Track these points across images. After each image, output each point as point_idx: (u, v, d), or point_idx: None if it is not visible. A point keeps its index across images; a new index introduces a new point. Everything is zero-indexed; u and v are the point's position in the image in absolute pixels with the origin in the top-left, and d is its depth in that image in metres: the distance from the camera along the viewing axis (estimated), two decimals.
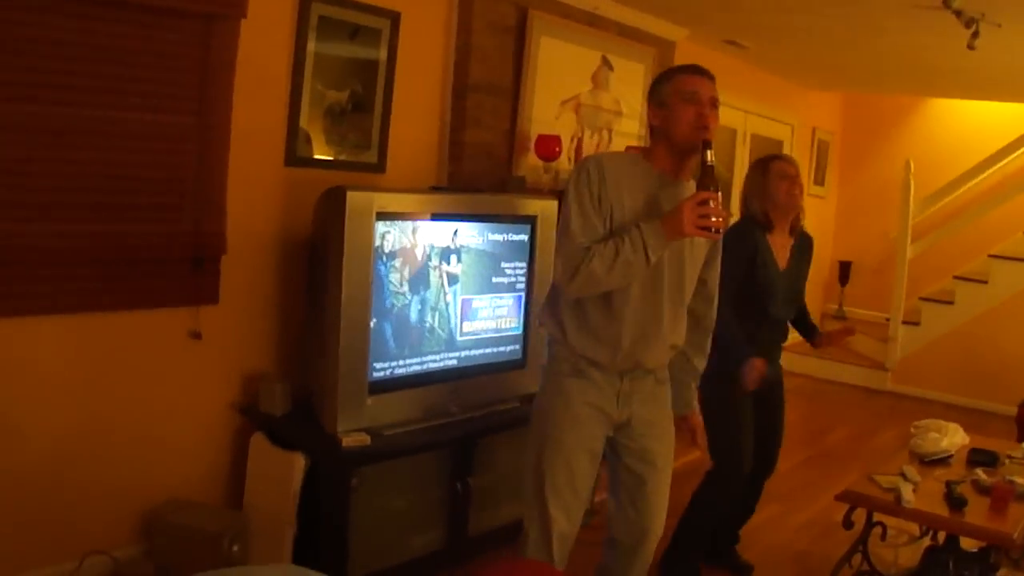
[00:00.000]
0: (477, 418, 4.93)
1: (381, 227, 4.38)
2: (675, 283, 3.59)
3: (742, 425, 4.71)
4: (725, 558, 5.13)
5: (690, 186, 3.49)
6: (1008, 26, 5.86)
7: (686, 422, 3.96)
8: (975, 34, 5.76)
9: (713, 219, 3.25)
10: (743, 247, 4.59)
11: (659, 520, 3.82)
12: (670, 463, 3.82)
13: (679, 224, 3.26)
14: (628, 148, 6.11)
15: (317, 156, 4.96)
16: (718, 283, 3.87)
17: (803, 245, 4.87)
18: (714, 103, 3.44)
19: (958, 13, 5.55)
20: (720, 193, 3.29)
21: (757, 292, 4.64)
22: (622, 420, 3.66)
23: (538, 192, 5.73)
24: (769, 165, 4.69)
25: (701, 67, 3.52)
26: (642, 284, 3.50)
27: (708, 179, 3.28)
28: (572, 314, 3.57)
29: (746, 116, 9.52)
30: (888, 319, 10.28)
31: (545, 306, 3.77)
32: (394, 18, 5.15)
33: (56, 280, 3.99)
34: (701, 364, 3.95)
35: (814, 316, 5.18)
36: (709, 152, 3.31)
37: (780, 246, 4.74)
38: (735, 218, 4.83)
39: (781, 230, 4.73)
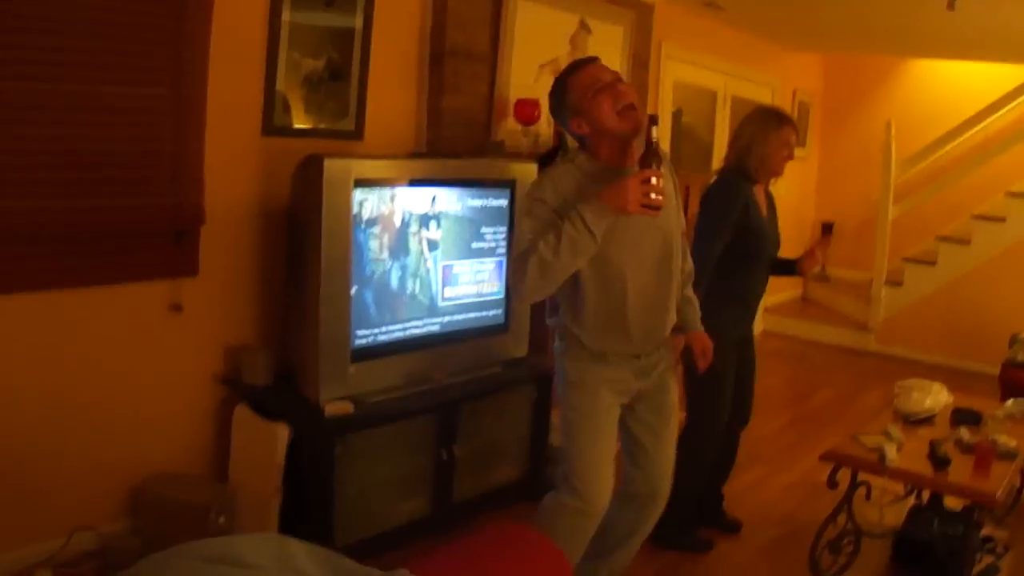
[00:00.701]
0: (460, 384, 4.93)
1: (359, 194, 4.36)
2: (664, 249, 3.64)
3: (722, 384, 4.76)
4: (712, 518, 5.17)
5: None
6: None
7: (694, 340, 4.04)
8: None
9: (654, 196, 3.27)
10: (736, 198, 4.66)
11: (671, 471, 3.97)
12: (677, 417, 3.95)
13: (623, 202, 3.27)
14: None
15: (294, 125, 4.92)
16: (684, 229, 3.93)
17: (771, 196, 4.94)
18: (618, 78, 3.45)
19: None
20: (662, 169, 3.32)
21: (753, 241, 4.69)
22: (642, 389, 3.76)
23: (517, 156, 5.71)
24: (781, 127, 4.67)
25: (579, 59, 3.56)
26: (633, 265, 3.55)
27: (652, 157, 3.28)
28: (575, 314, 3.63)
29: (726, 78, 9.50)
30: (871, 280, 10.30)
31: (549, 307, 3.81)
32: None
33: (34, 257, 3.96)
34: (695, 297, 4.06)
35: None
36: (654, 129, 3.30)
37: (760, 198, 4.80)
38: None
39: (760, 186, 4.76)
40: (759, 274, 4.81)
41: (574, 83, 3.45)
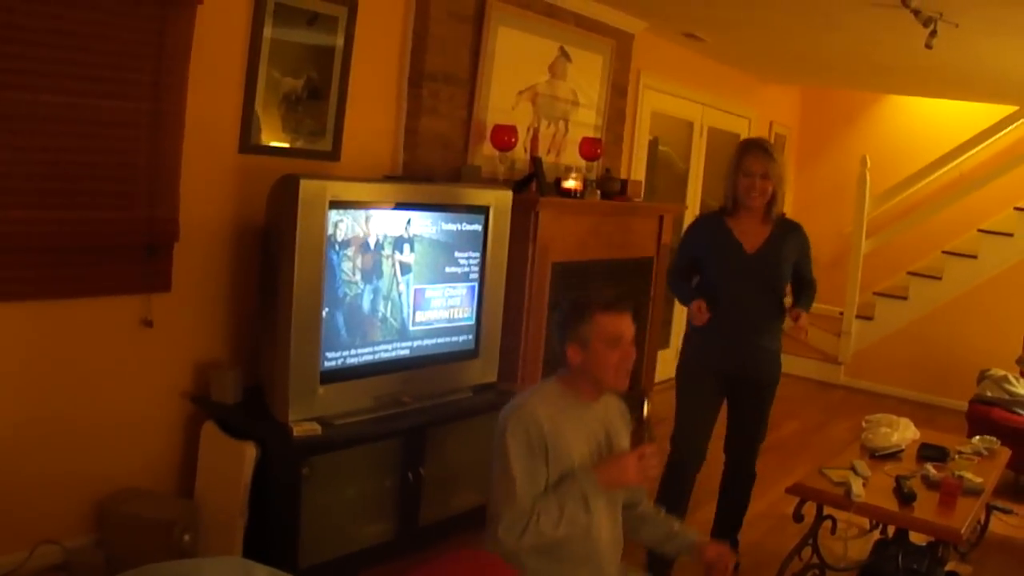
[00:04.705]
0: (429, 408, 4.92)
1: (334, 216, 4.36)
2: None
3: (690, 417, 4.84)
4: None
5: (605, 402, 3.53)
6: (966, 26, 5.88)
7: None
8: (933, 33, 5.77)
9: (652, 471, 3.37)
10: (691, 231, 4.99)
11: None
12: None
13: (623, 477, 3.34)
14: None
15: (271, 143, 4.93)
16: None
17: (785, 231, 4.86)
18: (633, 342, 3.44)
19: (916, 12, 5.55)
20: (655, 442, 3.43)
21: (711, 274, 4.75)
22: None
23: (493, 182, 5.73)
24: (741, 157, 4.71)
25: (616, 303, 3.47)
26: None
27: (645, 432, 3.35)
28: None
29: (703, 109, 9.54)
30: (842, 313, 10.34)
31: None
32: (351, 5, 5.12)
33: (5, 267, 3.94)
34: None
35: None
36: (646, 406, 3.33)
37: (751, 232, 4.78)
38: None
39: (750, 216, 4.77)
40: (727, 307, 4.76)
41: (600, 321, 3.38)
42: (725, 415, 5.03)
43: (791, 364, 10.46)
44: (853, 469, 4.71)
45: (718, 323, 4.71)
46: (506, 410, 3.40)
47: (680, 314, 9.41)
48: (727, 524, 5.17)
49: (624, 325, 3.41)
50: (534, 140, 6.45)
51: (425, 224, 4.87)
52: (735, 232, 4.75)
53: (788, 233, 4.87)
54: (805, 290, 5.01)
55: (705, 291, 4.76)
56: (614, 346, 3.35)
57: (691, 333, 4.93)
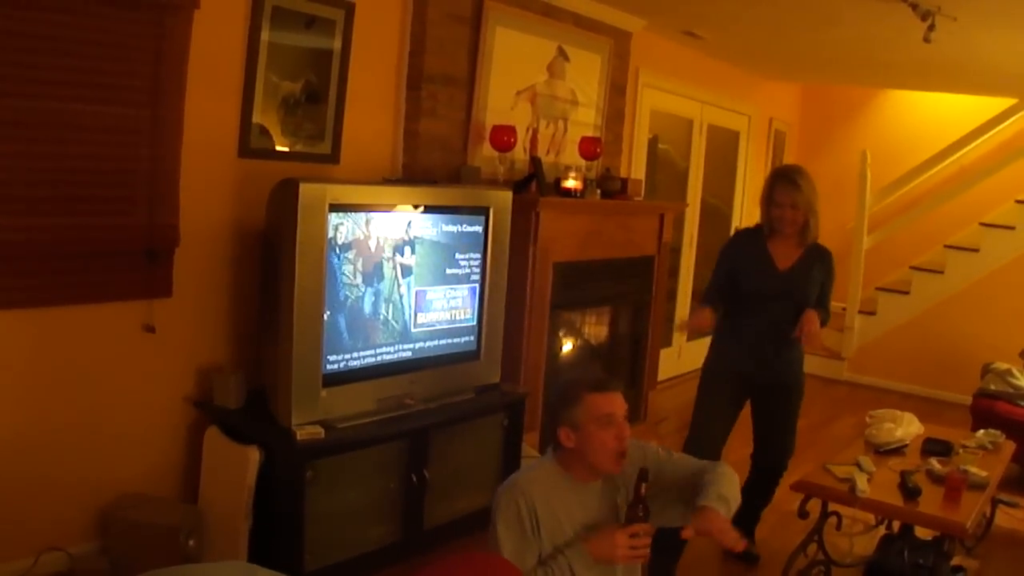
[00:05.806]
0: (432, 410, 4.92)
1: (334, 219, 4.35)
2: None
3: (707, 419, 4.96)
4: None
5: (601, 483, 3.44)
6: (964, 19, 5.88)
7: None
8: (931, 27, 5.78)
9: (643, 550, 3.23)
10: (728, 245, 5.18)
11: None
12: None
13: (610, 554, 3.23)
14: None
15: (270, 147, 4.92)
16: None
17: (815, 255, 4.96)
18: (626, 419, 3.34)
19: (914, 6, 5.57)
20: (650, 522, 3.26)
21: (743, 285, 4.88)
22: None
23: (493, 183, 5.72)
24: (772, 189, 4.88)
25: (605, 380, 3.39)
26: None
27: (641, 509, 3.23)
28: None
29: (703, 106, 9.52)
30: (844, 309, 10.31)
31: None
32: (349, 8, 5.12)
33: (6, 274, 3.94)
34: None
35: None
36: (644, 485, 3.24)
37: (785, 253, 4.92)
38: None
39: (784, 239, 4.91)
40: (751, 318, 4.90)
41: (590, 402, 3.28)
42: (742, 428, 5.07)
43: None
44: (858, 465, 4.72)
45: (741, 333, 4.85)
46: (501, 487, 3.36)
47: (683, 312, 9.43)
48: (746, 524, 5.18)
49: (615, 403, 3.31)
50: (533, 140, 6.44)
51: (426, 226, 4.87)
52: (771, 250, 4.87)
53: (818, 258, 4.98)
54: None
55: (735, 304, 4.92)
56: (606, 425, 3.25)
57: (717, 339, 5.09)
